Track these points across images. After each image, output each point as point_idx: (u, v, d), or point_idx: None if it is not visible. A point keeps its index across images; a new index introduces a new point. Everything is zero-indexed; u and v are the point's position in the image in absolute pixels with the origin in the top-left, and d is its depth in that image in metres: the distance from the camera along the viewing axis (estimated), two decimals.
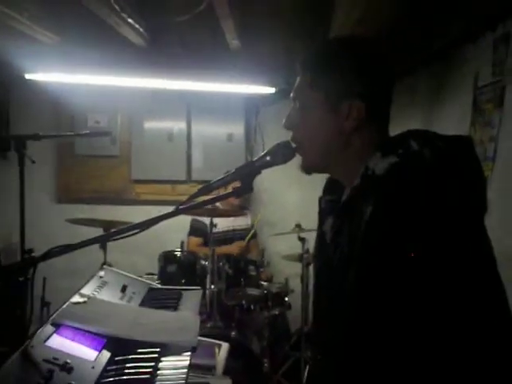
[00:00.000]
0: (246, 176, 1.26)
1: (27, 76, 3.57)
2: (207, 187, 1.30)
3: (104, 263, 3.59)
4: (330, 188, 1.27)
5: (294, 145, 1.20)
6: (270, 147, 1.24)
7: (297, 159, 1.26)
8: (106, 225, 3.41)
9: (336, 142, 1.13)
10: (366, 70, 1.11)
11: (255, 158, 1.25)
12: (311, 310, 1.29)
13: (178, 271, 3.51)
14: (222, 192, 1.34)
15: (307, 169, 1.21)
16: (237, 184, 1.29)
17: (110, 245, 3.69)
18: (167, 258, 3.61)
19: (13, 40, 3.05)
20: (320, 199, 1.29)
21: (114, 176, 4.77)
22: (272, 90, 3.58)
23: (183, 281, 3.44)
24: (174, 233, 4.30)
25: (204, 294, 3.27)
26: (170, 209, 1.27)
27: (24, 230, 2.37)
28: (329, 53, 1.16)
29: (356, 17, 2.17)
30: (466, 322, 0.95)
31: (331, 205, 1.24)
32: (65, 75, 3.66)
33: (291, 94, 1.20)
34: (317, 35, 2.77)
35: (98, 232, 3.32)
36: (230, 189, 1.29)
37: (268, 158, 1.22)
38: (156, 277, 3.61)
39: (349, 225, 1.09)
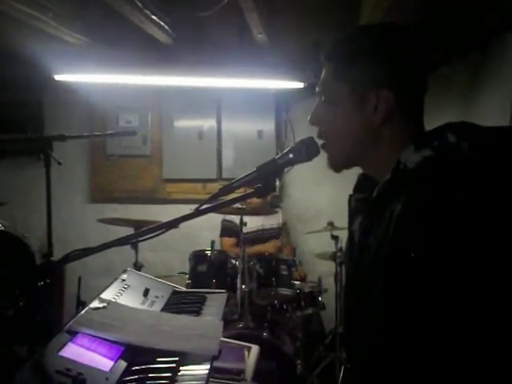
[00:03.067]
0: (267, 175, 1.20)
1: (56, 77, 3.59)
2: (228, 187, 1.25)
3: (135, 262, 3.59)
4: (361, 186, 1.20)
5: (320, 141, 1.13)
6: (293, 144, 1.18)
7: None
8: (136, 224, 3.41)
9: (365, 135, 1.06)
10: (391, 56, 1.03)
11: (277, 156, 1.19)
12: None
13: (208, 271, 3.47)
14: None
15: (335, 166, 1.14)
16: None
17: (143, 244, 3.69)
18: (198, 257, 3.58)
19: (42, 42, 3.07)
20: (350, 198, 1.22)
21: (146, 175, 4.78)
22: (301, 85, 3.49)
23: (214, 280, 3.39)
24: (207, 231, 4.28)
25: (235, 294, 3.22)
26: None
27: (51, 231, 2.37)
28: (352, 41, 1.09)
29: (385, 5, 2.07)
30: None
31: (361, 204, 1.16)
32: (94, 75, 3.67)
33: (316, 88, 1.13)
34: (346, 27, 2.67)
35: (129, 231, 3.31)
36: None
37: (291, 156, 1.16)
38: (187, 276, 3.59)
39: (377, 224, 1.01)
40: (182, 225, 1.41)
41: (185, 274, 3.76)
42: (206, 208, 1.28)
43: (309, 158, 1.16)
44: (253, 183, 1.24)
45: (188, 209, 1.29)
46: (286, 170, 1.23)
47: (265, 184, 1.21)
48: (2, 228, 3.97)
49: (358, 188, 1.21)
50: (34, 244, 4.19)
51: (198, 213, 1.28)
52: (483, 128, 0.98)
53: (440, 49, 3.10)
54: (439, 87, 3.38)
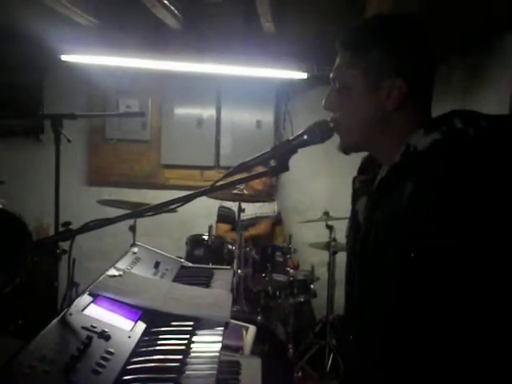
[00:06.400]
0: (282, 155, 1.25)
1: (63, 57, 3.60)
2: (243, 165, 1.29)
3: (133, 245, 3.64)
4: (365, 168, 1.27)
5: (332, 125, 1.19)
6: (306, 127, 1.24)
7: (325, 147, 1.25)
8: (135, 207, 3.43)
9: (376, 121, 1.12)
10: (406, 47, 1.10)
11: (292, 137, 1.25)
12: (337, 297, 1.28)
13: (205, 255, 3.54)
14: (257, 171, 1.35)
15: (346, 149, 1.20)
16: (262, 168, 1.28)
17: (138, 228, 3.75)
18: (195, 241, 3.64)
19: (50, 20, 3.08)
20: (354, 179, 1.29)
21: (144, 160, 4.81)
22: (304, 76, 3.54)
23: (210, 264, 3.45)
24: (201, 218, 4.33)
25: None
26: None
27: (58, 207, 2.41)
28: (369, 30, 1.14)
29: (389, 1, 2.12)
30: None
31: (365, 184, 1.23)
32: (100, 57, 3.69)
33: (331, 75, 1.19)
34: (350, 20, 2.72)
35: None
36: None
37: (305, 137, 1.21)
38: (183, 260, 3.63)
39: (385, 202, 1.08)
40: (179, 210, 1.46)
41: (180, 258, 3.81)
42: (221, 185, 1.33)
43: (322, 140, 1.21)
44: (267, 162, 1.30)
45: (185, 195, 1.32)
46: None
47: (279, 164, 1.27)
48: (1, 206, 4.00)
49: (361, 170, 1.28)
50: (30, 224, 4.23)
51: (213, 189, 1.33)
52: (486, 115, 1.05)
53: (439, 46, 3.15)
54: (438, 85, 3.44)
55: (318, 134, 1.20)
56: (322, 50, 2.97)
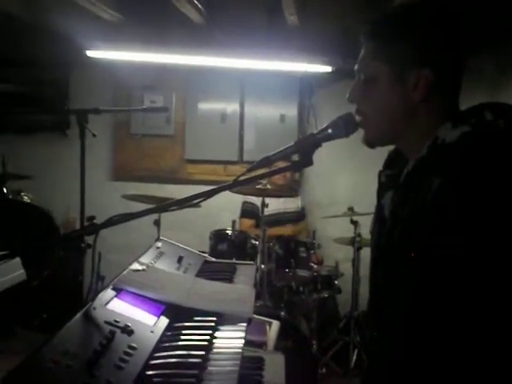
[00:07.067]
0: (305, 149, 1.23)
1: (89, 53, 3.64)
2: (266, 159, 1.28)
3: (157, 239, 3.67)
4: (391, 162, 1.24)
5: (358, 118, 1.16)
6: (331, 120, 1.22)
7: (349, 141, 1.23)
8: (160, 202, 3.46)
9: (402, 112, 1.09)
10: (433, 35, 1.06)
11: (316, 131, 1.23)
12: (362, 293, 1.26)
13: (228, 250, 3.54)
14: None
15: (371, 142, 1.17)
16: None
17: (162, 222, 3.78)
18: (218, 236, 3.65)
19: (76, 17, 3.12)
20: (380, 173, 1.25)
21: (168, 155, 4.84)
22: (328, 69, 3.51)
23: (233, 259, 3.46)
24: (225, 213, 4.33)
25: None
26: None
27: (84, 201, 2.44)
28: (391, 20, 1.11)
29: None
30: None
31: (391, 179, 1.20)
32: (125, 53, 3.72)
33: (355, 67, 1.16)
34: (375, 13, 2.67)
35: None
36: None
37: (330, 131, 1.19)
38: (207, 255, 3.65)
39: (412, 197, 1.05)
40: (202, 205, 1.45)
41: (204, 253, 3.82)
42: (244, 180, 1.32)
43: (346, 134, 1.18)
44: (291, 157, 1.28)
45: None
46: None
47: (302, 158, 1.25)
48: (29, 201, 4.08)
49: (388, 164, 1.25)
50: (58, 218, 4.30)
51: (236, 183, 1.32)
52: None
53: (471, 37, 3.09)
54: (468, 77, 3.37)
55: (342, 128, 1.18)
56: (346, 43, 2.92)
